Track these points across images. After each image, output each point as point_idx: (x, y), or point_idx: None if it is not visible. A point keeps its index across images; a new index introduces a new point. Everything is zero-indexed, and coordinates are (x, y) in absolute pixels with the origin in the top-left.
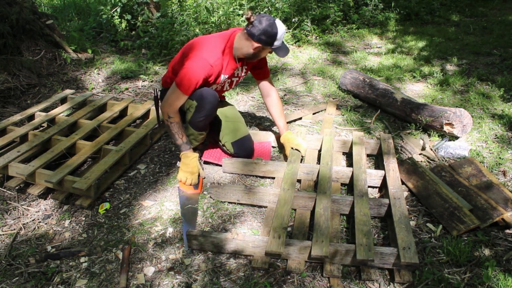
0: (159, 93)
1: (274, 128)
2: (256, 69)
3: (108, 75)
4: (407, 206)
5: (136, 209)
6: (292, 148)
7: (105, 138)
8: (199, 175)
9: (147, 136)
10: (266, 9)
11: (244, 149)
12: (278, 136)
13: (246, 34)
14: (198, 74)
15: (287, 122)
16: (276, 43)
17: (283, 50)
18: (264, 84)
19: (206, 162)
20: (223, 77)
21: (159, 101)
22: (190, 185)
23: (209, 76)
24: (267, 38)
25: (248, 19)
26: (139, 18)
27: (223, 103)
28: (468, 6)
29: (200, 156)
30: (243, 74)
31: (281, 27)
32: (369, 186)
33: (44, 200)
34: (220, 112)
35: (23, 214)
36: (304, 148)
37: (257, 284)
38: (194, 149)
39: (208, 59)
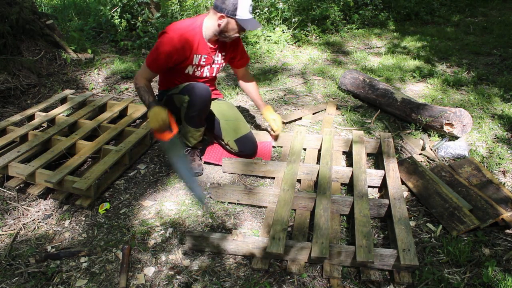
0: (157, 97)
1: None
2: (234, 59)
3: (108, 75)
4: (407, 206)
5: (136, 209)
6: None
7: (105, 138)
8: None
9: (147, 136)
10: (266, 9)
11: (247, 146)
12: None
13: (212, 10)
14: (163, 49)
15: (287, 122)
16: (240, 13)
17: (251, 23)
18: (242, 70)
19: (206, 163)
20: (196, 57)
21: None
22: (164, 131)
23: (176, 50)
24: (229, 6)
25: None
26: (139, 18)
27: (220, 102)
28: (468, 6)
29: (201, 156)
30: (221, 60)
31: None
32: (369, 186)
33: (44, 200)
34: (219, 112)
35: (23, 214)
36: (278, 124)
37: (257, 284)
38: (194, 148)
39: (174, 36)
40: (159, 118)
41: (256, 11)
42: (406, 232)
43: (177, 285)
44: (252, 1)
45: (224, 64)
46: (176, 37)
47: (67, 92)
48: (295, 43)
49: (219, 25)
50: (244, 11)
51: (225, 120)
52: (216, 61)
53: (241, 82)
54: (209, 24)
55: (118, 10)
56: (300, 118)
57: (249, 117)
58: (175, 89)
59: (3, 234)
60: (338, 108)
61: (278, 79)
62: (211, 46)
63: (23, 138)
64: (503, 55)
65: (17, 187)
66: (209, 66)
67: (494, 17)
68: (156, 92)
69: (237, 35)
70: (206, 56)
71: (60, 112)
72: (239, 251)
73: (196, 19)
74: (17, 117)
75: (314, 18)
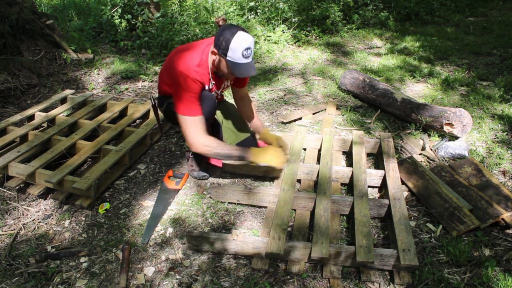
0: (156, 102)
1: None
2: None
3: (108, 75)
4: (407, 206)
5: (136, 209)
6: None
7: (105, 138)
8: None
9: (147, 136)
10: (266, 9)
11: None
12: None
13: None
14: (190, 91)
15: (287, 122)
16: (231, 55)
17: (242, 68)
18: (239, 90)
19: (207, 163)
20: (207, 87)
21: (158, 109)
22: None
23: (200, 87)
24: (222, 44)
25: (217, 22)
26: (139, 18)
27: (223, 104)
28: (468, 6)
29: (204, 158)
30: (230, 82)
31: (242, 39)
32: (369, 186)
33: (44, 200)
34: (220, 114)
35: (23, 214)
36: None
37: (257, 284)
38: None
39: (194, 76)
40: (282, 155)
41: (257, 11)
42: (406, 232)
43: (177, 285)
44: (252, 45)
45: (229, 85)
46: (197, 76)
47: (67, 92)
48: (295, 43)
49: (213, 60)
50: (236, 54)
51: (227, 122)
52: (225, 85)
53: (239, 104)
54: (210, 57)
55: (118, 10)
56: (300, 118)
57: None
58: None
59: (3, 234)
60: (338, 108)
61: (278, 79)
62: (210, 75)
63: (23, 138)
64: (503, 55)
65: (17, 187)
66: (218, 91)
67: (494, 17)
68: (155, 95)
69: (231, 75)
70: (214, 82)
71: (60, 112)
72: (239, 251)
73: (204, 50)
74: (17, 117)
75: (314, 18)
